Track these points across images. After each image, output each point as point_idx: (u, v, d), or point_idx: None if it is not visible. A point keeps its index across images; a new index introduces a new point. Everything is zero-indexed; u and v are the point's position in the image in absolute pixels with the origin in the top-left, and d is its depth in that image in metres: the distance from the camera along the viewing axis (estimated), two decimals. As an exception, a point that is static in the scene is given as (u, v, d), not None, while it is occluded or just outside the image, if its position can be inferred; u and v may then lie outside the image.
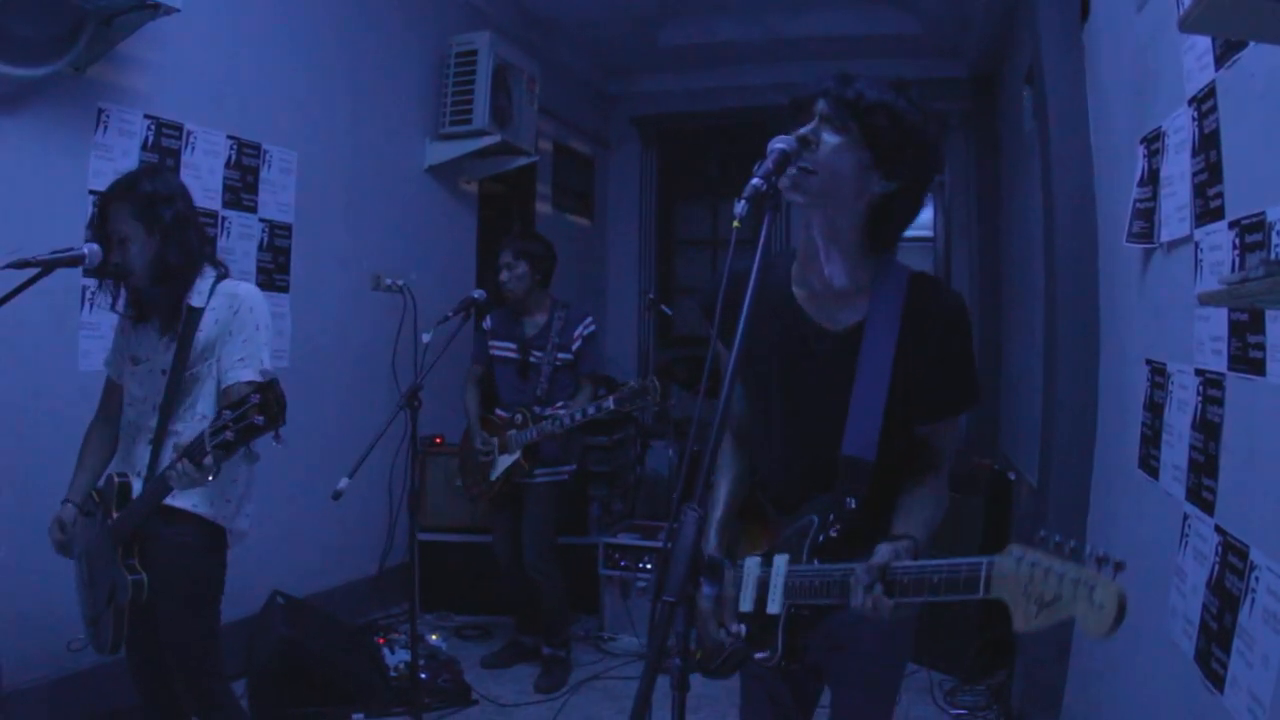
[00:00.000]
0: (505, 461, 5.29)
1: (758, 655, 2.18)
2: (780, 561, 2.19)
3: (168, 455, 3.05)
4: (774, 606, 2.16)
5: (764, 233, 1.85)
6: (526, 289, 5.39)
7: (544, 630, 5.42)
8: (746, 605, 2.26)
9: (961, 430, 2.17)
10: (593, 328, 5.47)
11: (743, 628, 2.24)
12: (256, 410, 2.59)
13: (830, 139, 2.10)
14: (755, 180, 1.82)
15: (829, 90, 2.15)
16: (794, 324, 2.31)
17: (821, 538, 2.15)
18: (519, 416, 5.28)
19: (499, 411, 5.44)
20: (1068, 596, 1.53)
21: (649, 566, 5.85)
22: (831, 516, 2.16)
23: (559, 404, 5.24)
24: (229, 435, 2.64)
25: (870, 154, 2.14)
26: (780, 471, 2.39)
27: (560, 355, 5.36)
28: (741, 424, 2.53)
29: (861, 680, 2.43)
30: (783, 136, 1.98)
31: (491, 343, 5.52)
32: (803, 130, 2.08)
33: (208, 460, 2.74)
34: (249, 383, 3.06)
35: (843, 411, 2.22)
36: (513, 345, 5.45)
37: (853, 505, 2.17)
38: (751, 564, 2.29)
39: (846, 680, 2.44)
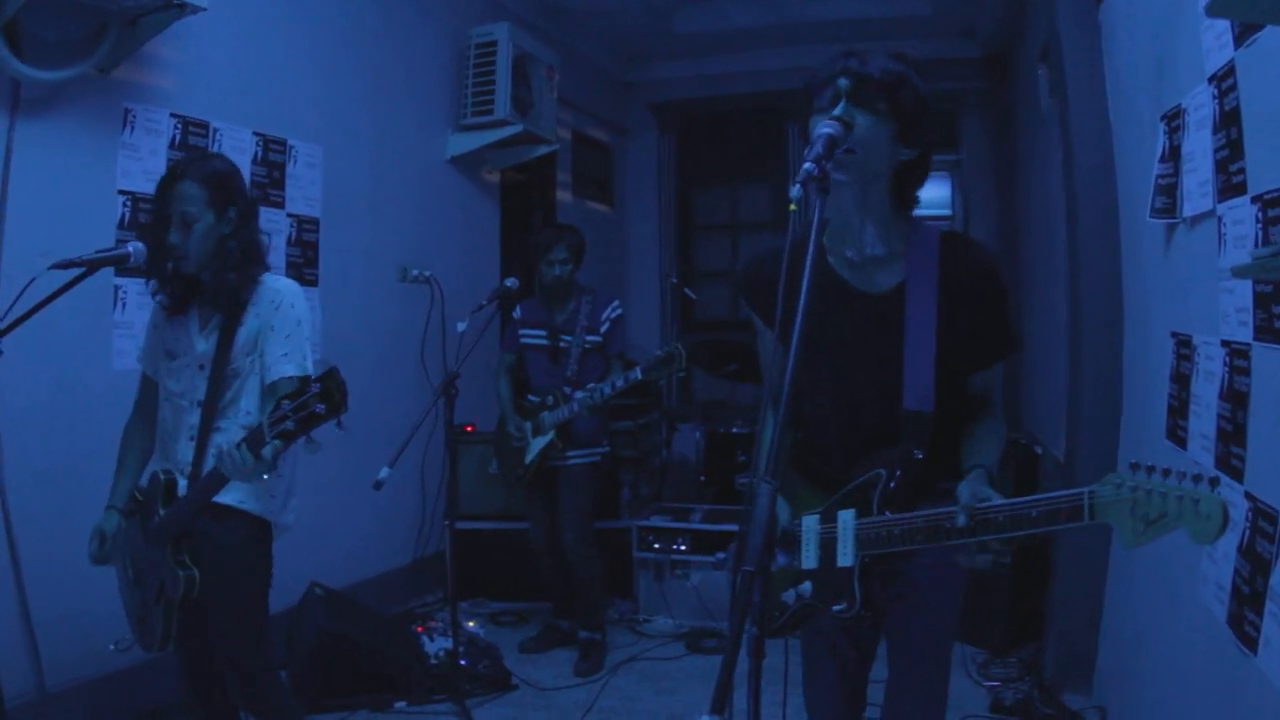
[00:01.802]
0: (540, 443, 5.34)
1: (835, 608, 2.26)
2: (848, 516, 2.27)
3: (213, 452, 3.04)
4: (846, 559, 2.25)
5: (816, 213, 1.91)
6: (570, 279, 5.47)
7: (581, 613, 5.48)
8: (810, 563, 2.35)
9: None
10: (619, 310, 5.53)
11: (808, 585, 2.33)
12: (318, 399, 2.57)
13: (863, 118, 2.18)
14: (807, 165, 1.88)
15: (850, 69, 2.21)
16: (836, 292, 2.39)
17: (893, 486, 2.25)
18: (551, 398, 5.34)
19: (530, 397, 5.49)
20: (1174, 513, 1.66)
21: (683, 548, 5.92)
22: (899, 470, 2.25)
23: (590, 385, 5.29)
24: (289, 425, 2.62)
25: (896, 126, 2.24)
26: (836, 433, 2.46)
27: (589, 338, 5.41)
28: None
29: (921, 628, 2.50)
30: (826, 121, 2.04)
31: (522, 331, 5.58)
32: (835, 112, 2.14)
33: (267, 450, 2.71)
34: (293, 378, 3.07)
35: (896, 369, 2.31)
36: (543, 332, 5.50)
37: (919, 456, 2.27)
38: (810, 522, 2.37)
39: (906, 629, 2.51)
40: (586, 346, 5.42)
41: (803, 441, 2.57)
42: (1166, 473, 1.69)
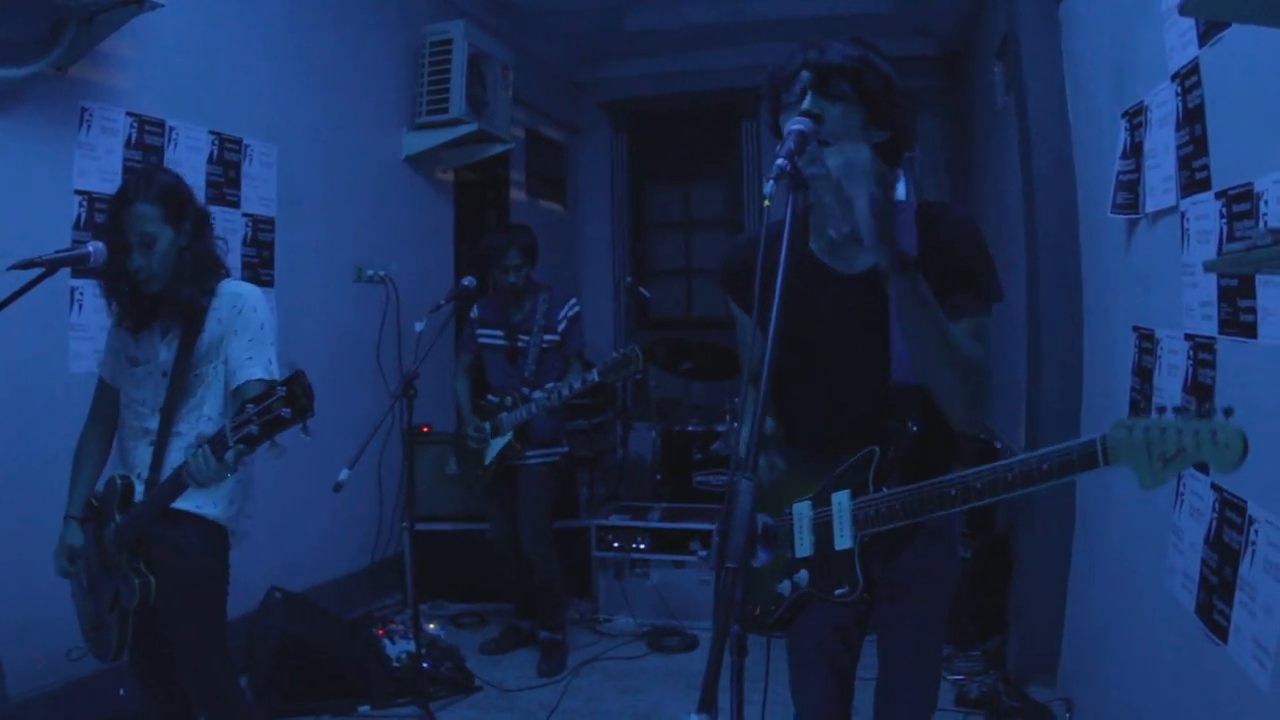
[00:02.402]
0: (498, 444, 5.32)
1: (837, 592, 2.23)
2: (842, 497, 2.25)
3: (173, 457, 3.04)
4: (844, 541, 2.23)
5: (789, 210, 1.91)
6: (527, 280, 5.46)
7: (541, 614, 5.46)
8: (805, 550, 2.32)
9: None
10: (577, 308, 5.52)
11: (804, 574, 2.31)
12: (283, 402, 2.53)
13: (832, 108, 2.17)
14: (780, 161, 1.88)
15: (812, 61, 2.21)
16: (818, 277, 2.37)
17: (890, 458, 2.23)
18: (509, 399, 5.32)
19: (489, 397, 5.48)
20: (1191, 447, 1.63)
21: (642, 546, 5.92)
22: (894, 443, 2.24)
23: (548, 385, 5.28)
24: (253, 428, 2.57)
25: (865, 110, 2.23)
26: (825, 416, 2.44)
27: (547, 337, 5.41)
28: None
29: (912, 632, 2.50)
30: (796, 119, 2.02)
31: (479, 330, 5.57)
32: (805, 105, 2.13)
33: (229, 454, 2.68)
34: (259, 380, 3.04)
35: (882, 345, 2.29)
36: (500, 331, 5.50)
37: (915, 429, 2.25)
38: (802, 509, 2.35)
39: (897, 632, 2.51)
40: (544, 346, 5.41)
41: (790, 432, 2.55)
42: (1178, 410, 1.66)
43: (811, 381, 2.43)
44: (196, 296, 3.13)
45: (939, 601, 2.50)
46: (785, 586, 2.34)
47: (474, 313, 5.61)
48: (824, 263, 2.39)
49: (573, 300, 5.53)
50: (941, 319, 2.11)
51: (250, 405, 2.59)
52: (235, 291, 3.21)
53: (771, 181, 1.85)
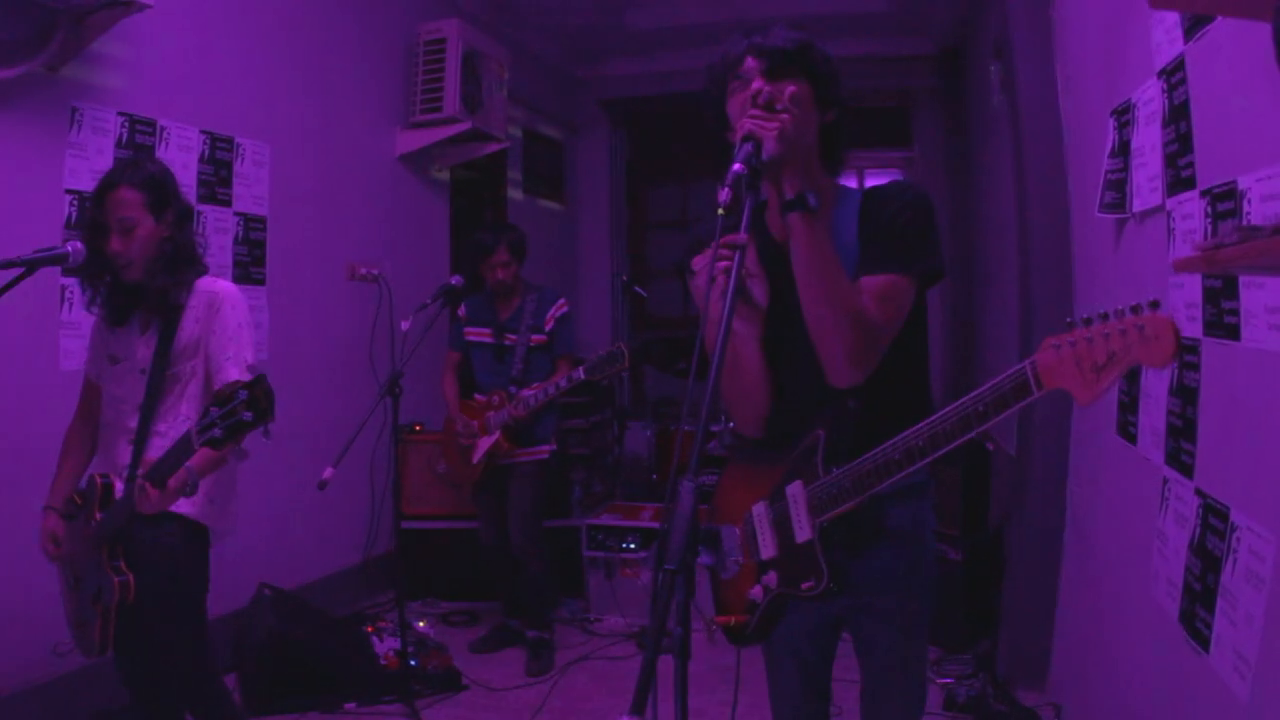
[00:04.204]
0: (486, 443, 5.33)
1: (804, 586, 2.18)
2: (794, 488, 2.21)
3: (151, 454, 3.01)
4: (803, 533, 2.19)
5: (746, 214, 1.89)
6: (516, 278, 5.48)
7: (529, 613, 5.45)
8: (769, 551, 2.28)
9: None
10: (566, 309, 5.52)
11: (772, 575, 2.26)
12: (245, 406, 2.50)
13: (787, 88, 2.13)
14: (736, 166, 1.87)
15: (759, 45, 2.20)
16: (781, 260, 2.30)
17: (835, 439, 2.18)
18: (496, 398, 5.33)
19: (477, 395, 5.49)
20: (1120, 348, 1.58)
21: (632, 546, 5.90)
22: (837, 424, 2.19)
23: (535, 384, 5.28)
24: (217, 432, 2.53)
25: (812, 90, 2.20)
26: (781, 402, 2.38)
27: (534, 336, 5.41)
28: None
29: (887, 643, 2.42)
30: (742, 150, 2.01)
31: (467, 328, 5.57)
32: (755, 87, 2.13)
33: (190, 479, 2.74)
34: (237, 380, 3.05)
35: None
36: (488, 330, 5.51)
37: (853, 405, 2.19)
38: (760, 510, 2.32)
39: (874, 642, 2.44)
40: (532, 345, 5.42)
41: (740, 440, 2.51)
42: (1104, 316, 1.61)
43: (776, 364, 2.37)
44: (172, 288, 3.15)
45: (917, 608, 2.43)
46: (757, 593, 2.30)
47: (462, 311, 5.60)
48: (782, 244, 2.32)
49: (561, 300, 5.53)
50: (834, 263, 2.09)
51: (214, 409, 2.56)
52: (211, 290, 3.23)
53: (728, 189, 1.84)
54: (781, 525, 2.25)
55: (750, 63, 2.19)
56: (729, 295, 1.85)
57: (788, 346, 2.33)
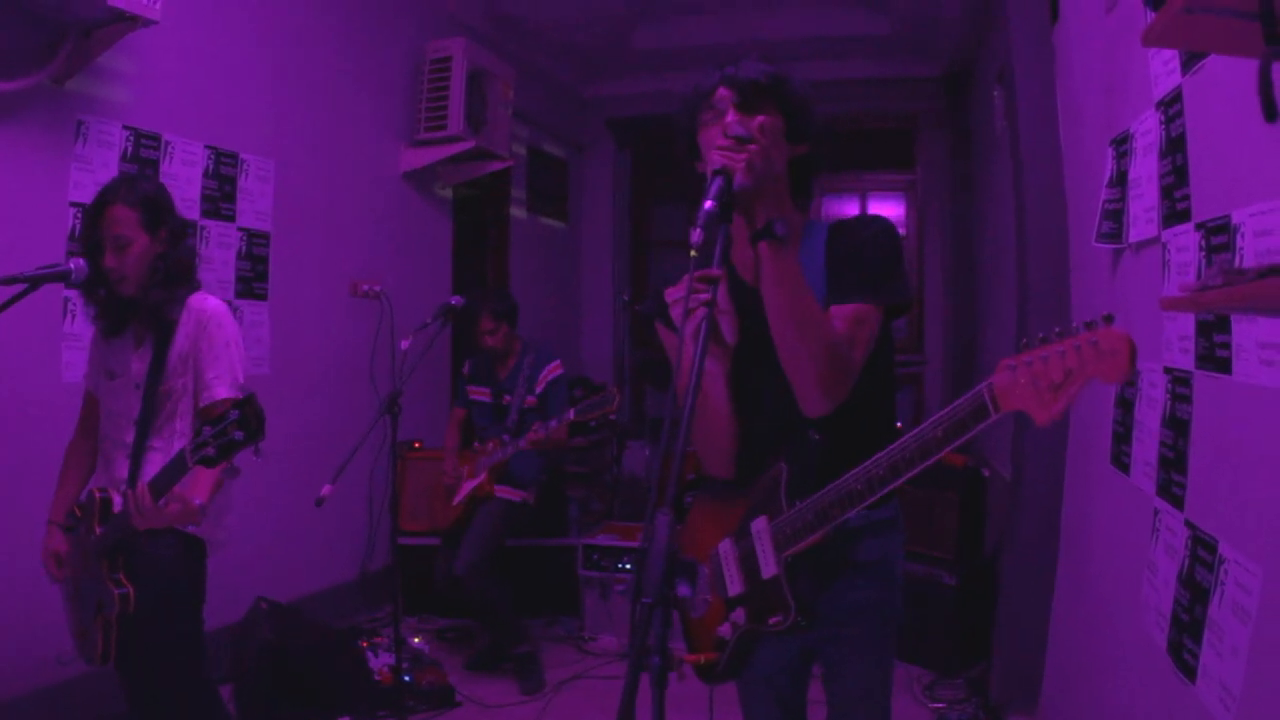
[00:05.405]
0: (469, 485, 5.50)
1: (771, 621, 2.18)
2: (759, 523, 2.22)
3: (149, 470, 3.06)
4: (769, 568, 2.19)
5: (718, 249, 1.92)
6: (506, 342, 5.64)
7: (501, 637, 5.48)
8: (736, 588, 2.28)
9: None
10: (559, 371, 5.66)
11: (740, 612, 2.26)
12: (236, 426, 2.54)
13: (757, 119, 2.15)
14: (708, 205, 1.89)
15: (731, 77, 2.21)
16: (739, 292, 2.33)
17: (797, 473, 2.18)
18: (491, 444, 5.51)
19: (476, 444, 5.68)
20: (1076, 365, 1.58)
21: (628, 566, 5.90)
22: (799, 459, 2.19)
23: (535, 424, 5.39)
24: (210, 451, 2.58)
25: (785, 124, 2.23)
26: (747, 440, 2.38)
27: (529, 398, 5.59)
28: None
29: (855, 672, 2.44)
30: (713, 185, 2.01)
31: (469, 386, 5.80)
32: (729, 120, 2.15)
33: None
34: (226, 399, 3.09)
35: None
36: (487, 389, 5.73)
37: (816, 437, 2.19)
38: (725, 547, 2.32)
39: (842, 672, 2.45)
40: (525, 406, 5.58)
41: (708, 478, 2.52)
42: (1060, 333, 1.61)
43: (741, 400, 2.38)
44: (165, 302, 3.19)
45: (883, 645, 2.45)
46: (725, 630, 2.30)
47: (465, 370, 5.85)
48: (744, 279, 2.35)
49: (555, 362, 5.68)
50: (804, 290, 2.09)
51: (207, 428, 2.61)
52: (200, 307, 3.26)
53: (700, 229, 1.86)
54: (748, 561, 2.26)
55: (723, 93, 2.21)
56: (702, 331, 1.87)
57: (753, 384, 2.34)
